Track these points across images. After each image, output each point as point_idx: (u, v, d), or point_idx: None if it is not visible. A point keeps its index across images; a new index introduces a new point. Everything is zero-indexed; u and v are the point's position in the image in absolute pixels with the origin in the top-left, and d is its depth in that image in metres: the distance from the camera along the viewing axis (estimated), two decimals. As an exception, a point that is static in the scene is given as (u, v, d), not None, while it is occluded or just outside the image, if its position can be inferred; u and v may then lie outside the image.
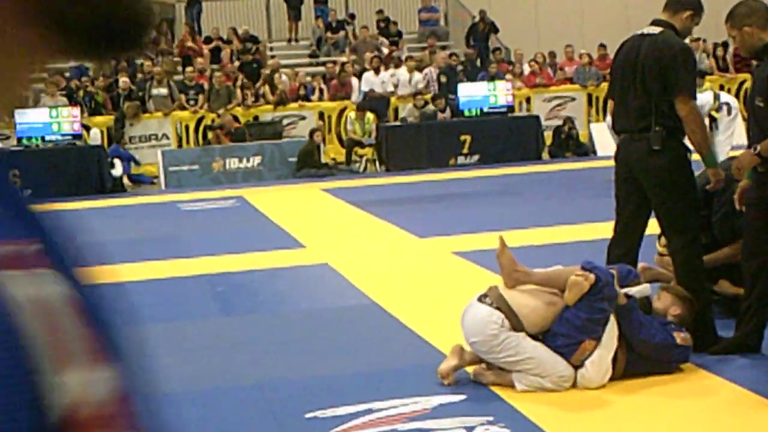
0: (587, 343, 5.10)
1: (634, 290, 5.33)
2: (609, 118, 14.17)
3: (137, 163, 18.20)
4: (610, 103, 6.14)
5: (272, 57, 22.86)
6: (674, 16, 5.71)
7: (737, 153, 6.24)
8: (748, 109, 5.51)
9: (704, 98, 12.81)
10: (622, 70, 5.77)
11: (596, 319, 5.12)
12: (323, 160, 18.07)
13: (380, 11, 24.18)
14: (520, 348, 5.10)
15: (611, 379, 5.17)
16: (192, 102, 19.27)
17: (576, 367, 5.13)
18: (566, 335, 5.11)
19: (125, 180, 17.49)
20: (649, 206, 5.81)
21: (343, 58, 21.86)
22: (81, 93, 19.01)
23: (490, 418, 4.73)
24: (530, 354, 5.10)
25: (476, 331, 5.19)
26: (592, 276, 5.12)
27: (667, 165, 5.59)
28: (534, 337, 5.22)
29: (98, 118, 18.72)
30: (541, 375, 5.08)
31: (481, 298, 5.25)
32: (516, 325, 5.13)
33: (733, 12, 5.44)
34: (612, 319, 5.18)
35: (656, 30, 5.67)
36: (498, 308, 5.14)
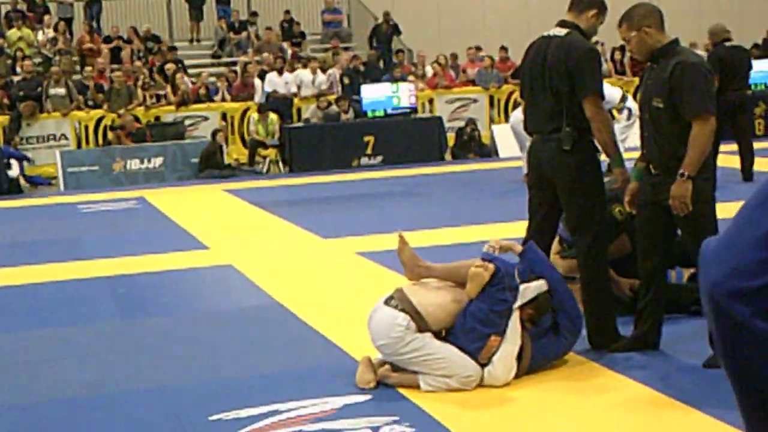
0: (493, 340, 5.14)
1: (532, 285, 5.40)
2: (513, 118, 14.33)
3: (30, 161, 17.81)
4: (523, 104, 6.16)
5: (174, 57, 22.60)
6: (579, 16, 5.76)
7: (632, 155, 6.34)
8: (643, 111, 5.57)
9: (612, 94, 13.14)
10: (531, 72, 5.81)
11: (498, 311, 5.16)
12: (226, 161, 17.93)
13: (287, 11, 24.10)
14: (426, 349, 5.12)
15: (516, 376, 5.23)
16: (91, 102, 18.95)
17: (483, 365, 5.16)
18: (471, 330, 5.13)
19: (21, 181, 17.10)
20: (560, 207, 5.86)
21: (246, 59, 21.72)
22: (-24, 92, 18.56)
23: (396, 418, 4.73)
24: (437, 354, 5.12)
25: (382, 334, 5.20)
26: (491, 266, 5.18)
27: (576, 164, 5.65)
28: (439, 336, 5.23)
29: (-6, 118, 18.30)
30: (447, 375, 5.09)
31: (387, 301, 5.25)
32: (421, 325, 5.15)
33: (630, 13, 5.48)
34: (515, 313, 5.23)
35: (562, 32, 5.72)
36: (403, 310, 5.15)
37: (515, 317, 5.23)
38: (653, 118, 5.42)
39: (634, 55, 5.74)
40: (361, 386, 5.22)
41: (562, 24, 5.79)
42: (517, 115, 13.97)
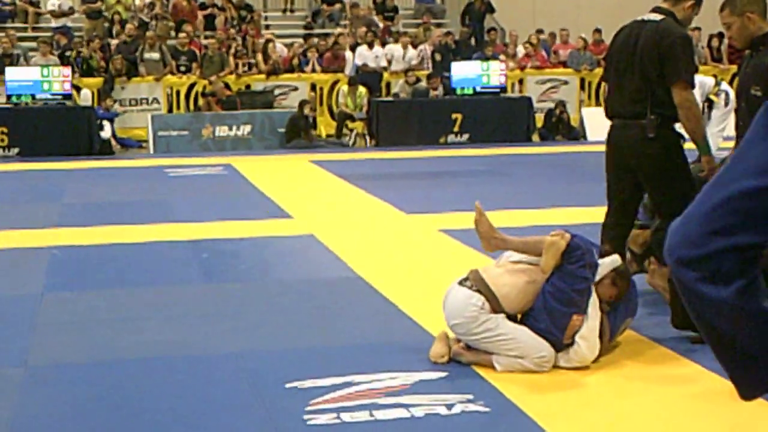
0: (575, 319, 5.11)
1: (606, 261, 5.35)
2: None
3: (118, 115, 18.00)
4: (604, 87, 6.10)
5: (267, 27, 22.74)
6: (676, 5, 5.69)
7: (729, 144, 6.23)
8: (740, 98, 5.48)
9: (705, 80, 12.93)
10: (619, 54, 5.76)
11: (580, 290, 5.11)
12: (314, 133, 17.96)
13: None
14: (499, 329, 5.10)
15: (599, 354, 5.22)
16: (183, 68, 19.17)
17: (566, 345, 5.13)
18: (552, 310, 5.09)
19: (113, 142, 17.40)
20: (641, 191, 5.82)
21: (338, 30, 21.75)
22: (73, 54, 18.87)
23: (470, 396, 4.72)
24: (509, 335, 5.10)
25: (456, 314, 5.19)
26: (568, 235, 5.13)
27: (661, 152, 5.60)
28: (514, 318, 5.21)
29: (90, 80, 18.60)
30: (520, 356, 5.07)
31: (462, 282, 5.24)
32: (496, 306, 5.13)
33: None
34: (594, 291, 5.20)
35: (657, 17, 5.65)
36: (478, 290, 5.14)
37: (594, 296, 5.21)
38: (750, 106, 5.31)
39: (733, 42, 5.63)
40: (434, 360, 5.24)
41: (656, 10, 5.72)
42: None
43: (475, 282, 5.19)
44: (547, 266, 5.14)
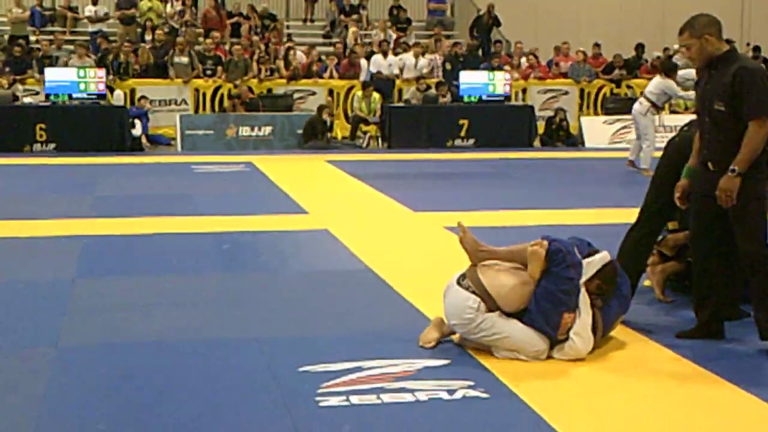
0: (566, 317, 5.08)
1: (596, 258, 5.31)
2: (636, 108, 14.37)
3: (149, 113, 18.00)
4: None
5: (288, 35, 22.74)
6: None
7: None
8: (703, 113, 5.43)
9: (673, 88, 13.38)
10: None
11: (566, 290, 5.08)
12: (329, 135, 17.96)
13: (395, -2, 24.11)
14: (494, 329, 5.09)
15: (593, 348, 5.21)
16: (209, 72, 19.18)
17: (562, 340, 5.11)
18: (545, 311, 5.07)
19: (143, 140, 17.45)
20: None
21: (354, 40, 21.72)
22: (111, 57, 18.87)
23: (471, 383, 4.70)
24: (504, 333, 5.08)
25: (454, 315, 5.19)
26: (545, 242, 5.11)
27: None
28: (510, 315, 5.18)
29: (125, 83, 18.61)
30: (516, 350, 5.07)
31: (460, 280, 5.23)
32: (491, 305, 5.12)
33: (692, 22, 5.40)
34: (582, 288, 5.17)
35: None
36: (474, 292, 5.12)
37: (583, 291, 5.18)
38: (715, 121, 5.30)
39: (691, 62, 5.63)
40: (421, 344, 5.26)
41: None
42: (637, 107, 13.79)
43: (472, 282, 5.17)
44: (534, 274, 5.13)
